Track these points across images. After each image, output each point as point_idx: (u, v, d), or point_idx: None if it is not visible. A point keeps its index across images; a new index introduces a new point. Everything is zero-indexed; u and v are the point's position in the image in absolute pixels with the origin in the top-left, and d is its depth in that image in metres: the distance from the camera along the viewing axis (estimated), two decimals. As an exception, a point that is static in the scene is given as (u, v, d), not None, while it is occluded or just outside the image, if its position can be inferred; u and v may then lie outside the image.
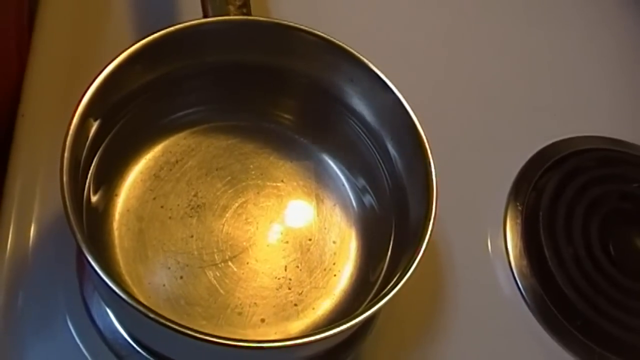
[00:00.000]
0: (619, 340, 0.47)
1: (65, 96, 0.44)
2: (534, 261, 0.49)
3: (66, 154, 0.34)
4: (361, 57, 0.41)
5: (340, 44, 0.41)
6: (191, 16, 0.42)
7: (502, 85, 0.57)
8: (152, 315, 0.31)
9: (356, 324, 0.33)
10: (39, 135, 0.46)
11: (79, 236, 0.32)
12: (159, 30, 0.39)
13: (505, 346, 0.46)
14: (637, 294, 0.48)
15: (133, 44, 0.38)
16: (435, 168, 0.38)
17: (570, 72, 0.59)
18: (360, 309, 0.34)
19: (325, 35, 0.41)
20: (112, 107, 0.40)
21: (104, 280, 0.31)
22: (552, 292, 0.48)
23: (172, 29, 0.39)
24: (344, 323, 0.33)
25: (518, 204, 0.51)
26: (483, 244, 0.49)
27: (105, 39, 0.50)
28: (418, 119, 0.40)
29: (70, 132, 0.35)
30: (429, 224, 0.36)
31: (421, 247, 0.36)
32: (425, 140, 0.39)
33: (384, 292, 0.35)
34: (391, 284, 0.35)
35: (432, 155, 0.39)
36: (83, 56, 0.49)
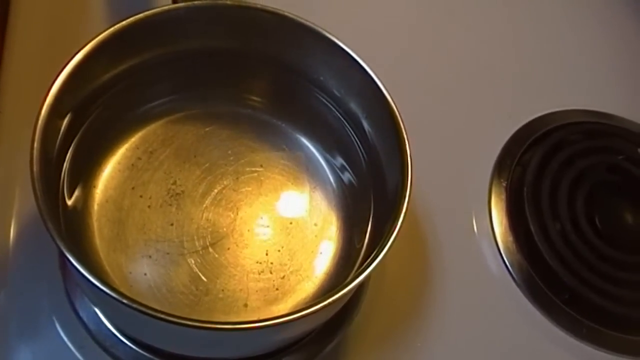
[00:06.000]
0: (607, 312, 0.46)
1: (43, 91, 0.44)
2: (520, 237, 0.49)
3: (36, 145, 0.35)
4: (332, 37, 0.41)
5: (312, 25, 0.41)
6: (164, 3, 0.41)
7: (484, 60, 0.56)
8: (125, 301, 0.31)
9: (334, 301, 0.33)
10: (18, 131, 0.45)
11: (49, 225, 0.32)
12: (123, 20, 0.38)
13: (494, 323, 0.46)
14: (624, 266, 0.48)
15: (99, 34, 0.38)
16: (407, 136, 0.38)
17: (553, 45, 0.59)
18: (341, 285, 0.34)
19: (295, 17, 0.41)
20: (83, 100, 0.40)
21: (75, 267, 0.31)
22: (539, 267, 0.47)
23: (137, 17, 0.39)
24: (321, 301, 0.33)
25: (502, 180, 0.51)
26: (468, 221, 0.49)
27: (82, 32, 0.50)
28: (395, 97, 0.40)
29: (39, 123, 0.35)
30: (406, 190, 0.36)
31: (400, 215, 0.35)
32: (397, 112, 0.39)
33: (362, 267, 0.34)
34: (370, 257, 0.35)
35: (405, 127, 0.38)
36: (60, 51, 0.48)
